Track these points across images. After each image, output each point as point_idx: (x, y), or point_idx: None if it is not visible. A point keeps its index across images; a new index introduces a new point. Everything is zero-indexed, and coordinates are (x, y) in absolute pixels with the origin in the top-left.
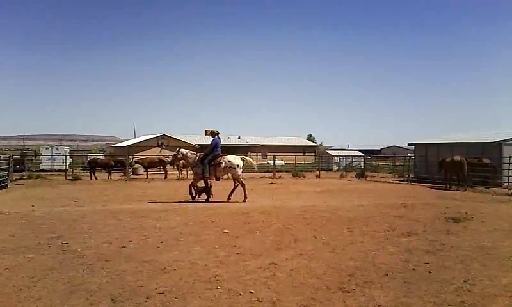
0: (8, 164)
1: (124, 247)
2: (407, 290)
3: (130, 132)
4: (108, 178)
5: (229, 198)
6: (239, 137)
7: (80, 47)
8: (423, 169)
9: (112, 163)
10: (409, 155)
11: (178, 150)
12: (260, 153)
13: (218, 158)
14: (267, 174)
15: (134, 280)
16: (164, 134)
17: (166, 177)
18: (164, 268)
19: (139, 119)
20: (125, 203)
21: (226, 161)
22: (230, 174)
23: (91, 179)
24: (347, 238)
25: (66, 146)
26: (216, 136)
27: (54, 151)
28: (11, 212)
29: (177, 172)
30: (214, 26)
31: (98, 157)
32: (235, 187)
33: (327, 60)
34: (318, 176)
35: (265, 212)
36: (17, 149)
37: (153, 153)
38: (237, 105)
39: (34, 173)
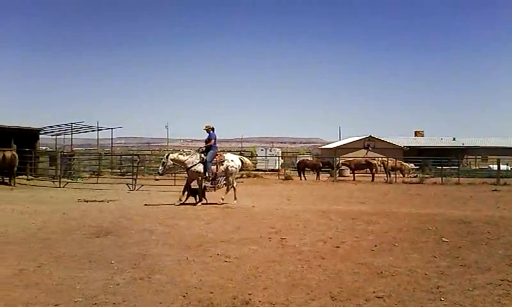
0: None
1: (338, 247)
2: None
3: (334, 134)
4: (316, 178)
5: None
6: (454, 139)
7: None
8: None
9: (321, 164)
10: None
11: (167, 157)
12: (480, 157)
13: (219, 157)
14: (488, 181)
15: (351, 281)
16: (370, 136)
17: (373, 179)
18: (381, 273)
19: (343, 121)
20: (334, 203)
21: (229, 160)
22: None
23: (300, 179)
24: None
25: (278, 147)
26: (212, 131)
27: (268, 152)
28: (236, 206)
29: (385, 175)
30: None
31: (306, 158)
32: (228, 188)
33: None
34: None
35: (491, 222)
36: (236, 151)
37: (360, 155)
38: (452, 103)
39: (252, 172)
